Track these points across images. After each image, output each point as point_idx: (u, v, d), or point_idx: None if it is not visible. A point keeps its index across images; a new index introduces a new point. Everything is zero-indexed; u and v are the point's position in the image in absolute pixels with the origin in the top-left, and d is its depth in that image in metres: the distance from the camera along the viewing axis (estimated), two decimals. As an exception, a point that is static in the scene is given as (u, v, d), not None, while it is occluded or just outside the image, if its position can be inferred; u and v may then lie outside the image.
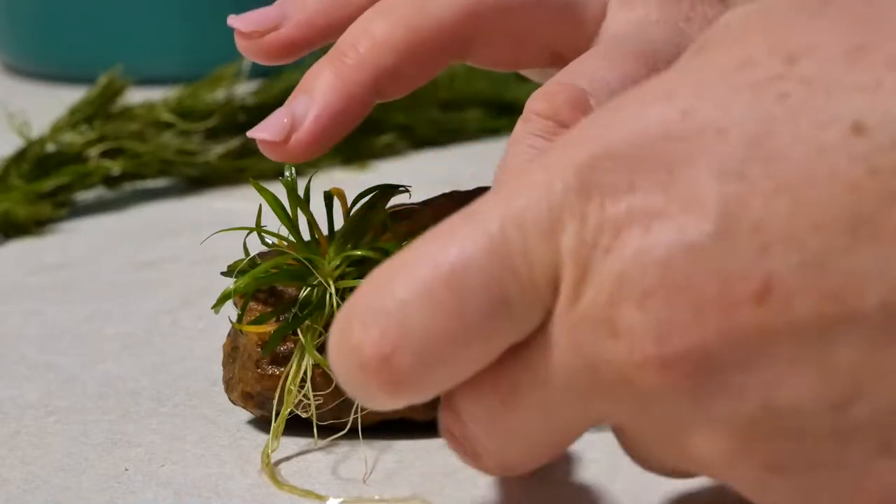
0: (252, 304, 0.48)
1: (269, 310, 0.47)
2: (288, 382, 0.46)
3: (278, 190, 0.48)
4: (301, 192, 0.48)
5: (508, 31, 0.49)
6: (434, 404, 0.47)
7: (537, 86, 0.46)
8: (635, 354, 0.35)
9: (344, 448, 0.47)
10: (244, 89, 0.81)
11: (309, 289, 0.47)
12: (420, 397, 0.37)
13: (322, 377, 0.46)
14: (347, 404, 0.46)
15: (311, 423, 0.47)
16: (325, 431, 0.47)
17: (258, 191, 0.48)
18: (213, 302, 0.47)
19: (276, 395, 0.47)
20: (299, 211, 0.48)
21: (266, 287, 0.48)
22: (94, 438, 0.49)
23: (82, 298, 0.63)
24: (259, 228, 0.48)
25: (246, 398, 0.48)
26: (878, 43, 0.35)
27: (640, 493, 0.44)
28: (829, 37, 0.36)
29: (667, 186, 0.35)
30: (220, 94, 0.80)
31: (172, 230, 0.72)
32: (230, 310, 0.49)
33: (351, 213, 0.48)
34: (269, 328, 0.47)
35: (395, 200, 0.50)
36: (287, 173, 0.48)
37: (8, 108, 0.77)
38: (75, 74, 0.99)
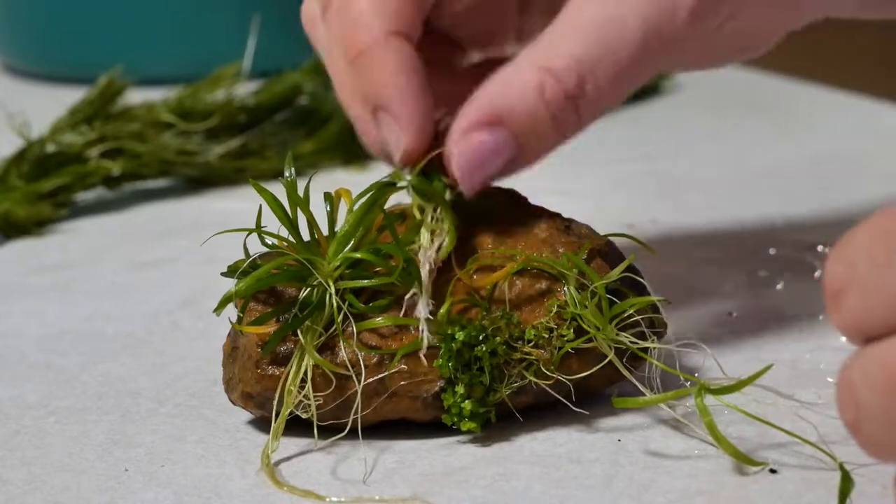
0: (252, 305, 0.48)
1: (270, 310, 0.47)
2: (288, 383, 0.46)
3: (278, 190, 0.48)
4: (301, 193, 0.48)
5: None
6: (434, 404, 0.47)
7: None
8: None
9: (344, 448, 0.47)
10: (244, 89, 0.81)
11: (309, 289, 0.47)
12: None
13: (322, 377, 0.46)
14: (347, 404, 0.46)
15: (311, 423, 0.47)
16: (325, 432, 0.47)
17: (258, 191, 0.48)
18: (214, 302, 0.47)
19: (276, 396, 0.47)
20: (299, 211, 0.48)
21: (266, 287, 0.48)
22: (94, 438, 0.49)
23: (82, 298, 0.63)
24: (259, 229, 0.48)
25: (246, 398, 0.48)
26: None
27: (640, 492, 0.44)
28: None
29: None
30: (220, 94, 0.80)
31: (172, 230, 0.72)
32: (230, 310, 0.49)
33: (350, 214, 0.48)
34: (269, 329, 0.47)
35: (396, 201, 0.50)
36: (287, 173, 0.48)
37: (8, 108, 0.77)
38: (75, 74, 1.00)
